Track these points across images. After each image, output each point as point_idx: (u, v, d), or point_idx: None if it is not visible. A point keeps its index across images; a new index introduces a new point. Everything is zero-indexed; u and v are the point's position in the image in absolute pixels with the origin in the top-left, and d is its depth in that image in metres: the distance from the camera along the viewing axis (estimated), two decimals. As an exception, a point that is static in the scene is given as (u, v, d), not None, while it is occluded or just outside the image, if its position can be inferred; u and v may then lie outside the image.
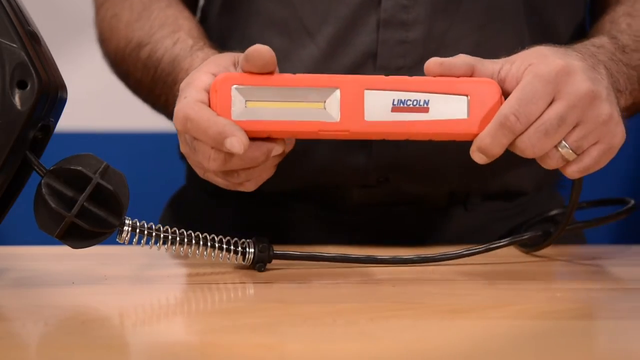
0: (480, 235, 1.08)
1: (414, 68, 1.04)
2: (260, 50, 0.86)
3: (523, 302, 0.82)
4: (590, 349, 0.68)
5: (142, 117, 1.13)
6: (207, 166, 0.87)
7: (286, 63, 1.06)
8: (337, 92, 0.86)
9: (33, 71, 0.80)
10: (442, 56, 1.04)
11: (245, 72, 0.87)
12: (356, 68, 1.05)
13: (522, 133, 0.85)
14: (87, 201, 0.82)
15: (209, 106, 0.86)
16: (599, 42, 0.97)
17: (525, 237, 0.97)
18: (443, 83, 0.87)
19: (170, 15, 1.08)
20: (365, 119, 0.86)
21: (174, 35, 1.05)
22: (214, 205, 1.13)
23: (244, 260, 0.89)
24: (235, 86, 0.86)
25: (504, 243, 0.96)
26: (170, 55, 1.03)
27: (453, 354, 0.67)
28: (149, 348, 0.68)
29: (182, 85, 0.89)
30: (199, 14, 1.18)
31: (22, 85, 0.81)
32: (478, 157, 0.87)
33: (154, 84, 1.06)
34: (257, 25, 1.08)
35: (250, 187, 0.91)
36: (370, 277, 0.90)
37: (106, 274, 0.90)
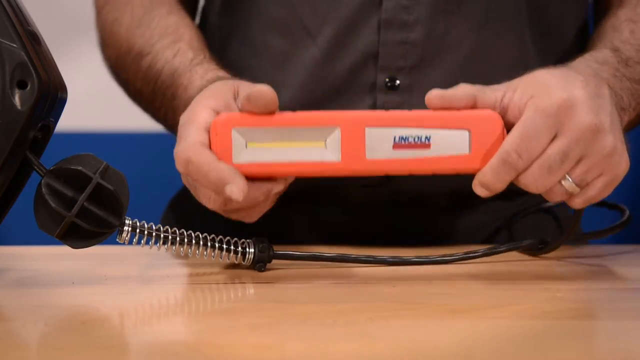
0: (481, 234, 1.08)
1: (415, 69, 1.04)
2: (263, 91, 0.85)
3: (523, 302, 0.82)
4: (590, 349, 0.68)
5: (142, 117, 1.13)
6: (208, 206, 0.88)
7: (287, 65, 1.06)
8: (338, 132, 0.86)
9: (33, 71, 0.80)
10: (443, 57, 1.04)
11: (245, 111, 0.86)
12: (357, 69, 1.04)
13: (525, 169, 0.85)
14: (87, 201, 0.82)
15: (210, 147, 0.86)
16: (601, 58, 0.96)
17: (524, 244, 0.98)
18: (444, 118, 0.86)
19: (171, 23, 1.07)
20: (367, 157, 0.86)
21: (174, 45, 1.05)
22: None
23: (244, 260, 0.89)
24: (235, 128, 0.85)
25: (503, 249, 0.96)
26: (170, 68, 1.03)
27: (453, 354, 0.67)
28: (149, 348, 0.68)
29: (182, 120, 0.89)
30: (199, 15, 1.18)
31: (22, 85, 0.81)
32: (480, 191, 0.87)
33: (153, 96, 1.06)
34: (258, 26, 1.08)
35: (251, 220, 0.91)
36: (370, 277, 0.90)
37: (106, 274, 0.90)
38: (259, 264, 0.90)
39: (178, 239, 0.87)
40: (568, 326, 0.74)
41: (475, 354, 0.67)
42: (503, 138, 0.86)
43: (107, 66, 1.14)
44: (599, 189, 0.87)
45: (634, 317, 0.78)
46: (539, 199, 1.14)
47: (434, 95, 0.88)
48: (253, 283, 0.86)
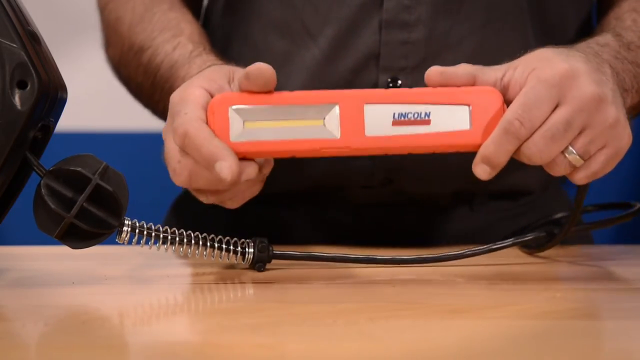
0: (485, 235, 1.08)
1: (417, 69, 1.04)
2: (262, 69, 0.85)
3: (523, 302, 0.82)
4: (590, 349, 0.68)
5: (142, 117, 1.13)
6: (193, 184, 0.87)
7: (288, 65, 1.06)
8: (337, 108, 0.85)
9: (33, 71, 0.80)
10: (445, 56, 1.04)
11: (244, 90, 0.86)
12: (359, 70, 1.04)
13: (527, 139, 0.85)
14: (87, 202, 0.82)
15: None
16: (603, 41, 0.96)
17: (529, 237, 0.97)
18: (444, 94, 0.86)
19: (172, 18, 1.07)
20: (366, 134, 0.85)
21: (174, 39, 1.05)
22: (217, 207, 1.13)
23: (243, 260, 0.89)
24: (232, 107, 0.85)
25: (507, 244, 0.95)
26: (169, 62, 1.03)
27: (453, 354, 0.67)
28: (149, 348, 0.68)
29: (175, 99, 0.88)
30: (202, 15, 1.18)
31: (22, 85, 0.81)
32: (481, 170, 0.86)
33: (153, 90, 1.06)
34: (259, 26, 1.08)
35: (232, 205, 0.91)
36: (370, 277, 0.90)
37: (106, 274, 0.90)
38: (259, 264, 0.90)
39: (177, 239, 0.87)
40: (568, 326, 0.74)
41: (475, 354, 0.67)
42: (503, 112, 0.85)
43: (111, 65, 1.13)
44: (602, 162, 0.86)
45: (634, 317, 0.78)
46: (545, 200, 1.15)
47: (433, 71, 0.87)
48: (253, 283, 0.86)
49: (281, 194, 1.09)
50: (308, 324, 0.75)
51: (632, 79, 0.95)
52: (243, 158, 0.85)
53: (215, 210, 1.01)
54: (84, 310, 0.79)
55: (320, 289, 0.85)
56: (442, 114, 0.86)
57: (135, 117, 1.17)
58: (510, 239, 0.96)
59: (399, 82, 1.04)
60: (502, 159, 0.85)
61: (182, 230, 0.88)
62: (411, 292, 0.84)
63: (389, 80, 1.04)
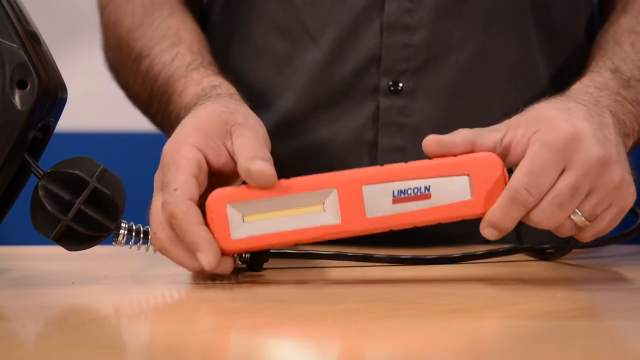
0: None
1: (418, 72, 1.04)
2: (264, 172, 0.83)
3: (523, 302, 0.82)
4: (590, 349, 0.68)
5: (142, 117, 1.13)
6: (168, 253, 0.85)
7: (289, 68, 1.06)
8: (335, 193, 0.84)
9: (33, 71, 0.80)
10: (446, 59, 1.04)
11: (243, 184, 0.85)
12: (360, 73, 1.04)
13: (535, 206, 0.83)
14: (84, 205, 0.82)
15: (197, 204, 0.84)
16: (601, 82, 0.95)
17: (526, 247, 0.97)
18: (441, 166, 0.85)
19: (172, 25, 1.06)
20: (367, 215, 0.84)
21: (173, 49, 1.04)
22: None
23: (240, 259, 0.89)
24: (230, 204, 0.84)
25: (504, 250, 0.95)
26: (167, 73, 1.02)
27: (453, 354, 0.67)
28: (149, 348, 0.68)
29: (167, 153, 0.86)
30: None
31: (22, 85, 0.81)
32: (489, 233, 0.85)
33: (150, 101, 1.05)
34: (260, 28, 1.08)
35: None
36: (370, 277, 0.90)
37: (106, 274, 0.90)
38: (256, 264, 0.89)
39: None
40: (568, 326, 0.74)
41: (475, 354, 0.67)
42: (504, 179, 0.85)
43: (109, 68, 1.13)
44: (608, 221, 0.86)
45: (634, 317, 0.78)
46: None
47: (430, 141, 0.86)
48: (252, 283, 0.86)
49: None
50: (308, 324, 0.75)
51: (632, 121, 0.94)
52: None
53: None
54: (84, 310, 0.79)
55: (320, 289, 0.85)
56: (442, 187, 0.85)
57: (135, 117, 1.17)
58: (509, 245, 0.96)
59: (400, 85, 1.04)
60: (510, 225, 0.84)
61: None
62: (411, 292, 0.84)
63: (391, 83, 1.04)
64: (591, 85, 0.94)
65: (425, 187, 0.84)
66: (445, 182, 0.85)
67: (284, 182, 0.84)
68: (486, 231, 0.85)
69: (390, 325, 0.74)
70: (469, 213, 0.85)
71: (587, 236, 0.86)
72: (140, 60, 1.06)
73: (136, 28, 1.08)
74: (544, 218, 0.83)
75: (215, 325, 0.75)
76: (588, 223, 0.85)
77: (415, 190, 0.84)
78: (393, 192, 0.84)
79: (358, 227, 0.84)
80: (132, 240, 0.85)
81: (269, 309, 0.79)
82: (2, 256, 1.00)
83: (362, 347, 0.68)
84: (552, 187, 0.83)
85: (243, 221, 0.84)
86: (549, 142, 0.84)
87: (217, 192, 0.84)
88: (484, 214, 0.85)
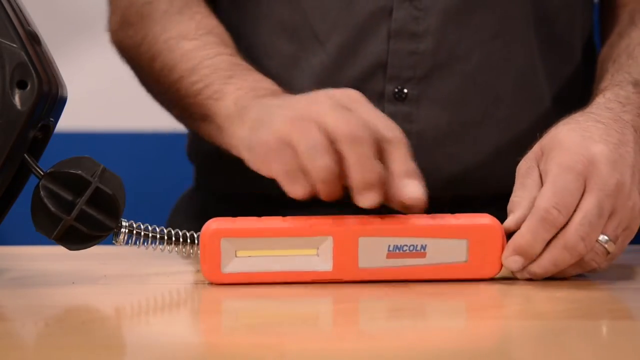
0: None
1: (424, 80, 1.04)
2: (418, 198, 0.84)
3: (523, 302, 0.82)
4: (590, 349, 0.68)
5: (142, 117, 1.13)
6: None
7: (295, 69, 1.06)
8: (330, 241, 0.84)
9: (33, 71, 0.80)
10: (452, 68, 1.03)
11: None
12: (366, 78, 1.04)
13: (565, 228, 0.83)
14: (85, 204, 0.82)
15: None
16: (624, 96, 0.94)
17: None
18: (442, 227, 0.85)
19: (215, 25, 1.04)
20: (359, 266, 0.84)
21: (226, 48, 1.02)
22: (223, 208, 1.12)
23: None
24: (224, 238, 0.84)
25: None
26: (229, 59, 0.99)
27: (453, 354, 0.67)
28: (148, 348, 0.68)
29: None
30: None
31: (22, 85, 0.81)
32: (513, 262, 0.85)
33: (191, 73, 1.01)
34: (267, 28, 1.07)
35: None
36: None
37: (106, 274, 0.90)
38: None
39: (174, 239, 0.87)
40: (568, 326, 0.74)
41: (476, 354, 0.67)
42: (503, 246, 0.85)
43: (122, 46, 1.09)
44: (621, 244, 0.86)
45: (634, 317, 0.78)
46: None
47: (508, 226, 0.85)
48: (252, 283, 0.86)
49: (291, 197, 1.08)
50: (308, 324, 0.75)
51: None
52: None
53: (220, 211, 1.01)
54: (84, 310, 0.79)
55: (320, 289, 0.85)
56: (438, 247, 0.84)
57: (135, 117, 1.17)
58: None
59: (405, 90, 1.04)
60: (538, 249, 0.84)
61: (177, 230, 0.87)
62: (411, 292, 0.84)
63: (396, 90, 1.04)
64: (614, 99, 0.93)
65: (422, 246, 0.84)
66: (442, 242, 0.85)
67: (280, 223, 0.85)
68: (510, 260, 0.85)
69: (390, 325, 0.74)
70: (462, 275, 0.85)
71: (607, 265, 0.86)
72: (183, 40, 1.02)
73: (176, 13, 1.05)
74: (579, 239, 0.83)
75: (215, 325, 0.75)
76: (614, 246, 0.85)
77: (411, 248, 0.84)
78: (388, 246, 0.84)
79: (348, 277, 0.84)
80: (133, 239, 0.85)
81: (269, 308, 0.79)
82: (2, 256, 1.00)
83: (362, 347, 0.68)
84: (577, 208, 0.83)
85: (235, 256, 0.84)
86: (568, 165, 0.84)
87: (212, 225, 0.84)
88: (477, 277, 0.85)
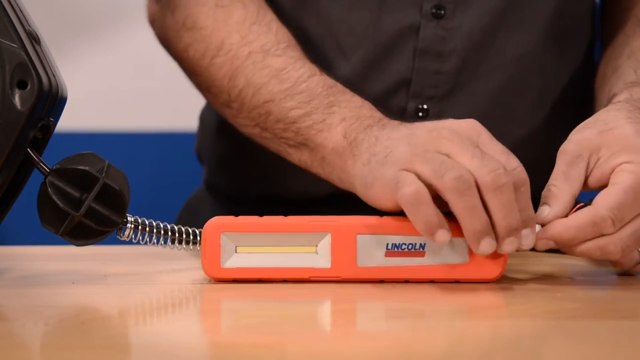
0: None
1: (444, 99, 1.04)
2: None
3: (523, 302, 0.82)
4: (590, 349, 0.68)
5: (142, 117, 1.13)
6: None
7: None
8: (329, 237, 0.84)
9: (33, 71, 0.80)
10: (473, 87, 1.04)
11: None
12: (389, 94, 1.04)
13: (611, 235, 0.83)
14: (93, 200, 0.82)
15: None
16: None
17: None
18: None
19: (292, 37, 1.01)
20: (358, 264, 0.84)
21: (310, 65, 0.98)
22: (232, 209, 1.12)
23: None
24: (224, 233, 0.84)
25: None
26: (325, 80, 0.96)
27: (453, 354, 0.67)
28: (149, 348, 0.68)
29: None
30: None
31: (22, 85, 0.81)
32: (545, 245, 0.84)
33: (282, 94, 0.97)
34: (294, 37, 1.05)
35: None
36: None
37: (106, 274, 0.90)
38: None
39: (177, 236, 0.87)
40: (568, 326, 0.74)
41: (476, 354, 0.67)
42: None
43: (179, 48, 1.03)
44: None
45: (634, 317, 0.78)
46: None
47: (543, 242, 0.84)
48: (253, 283, 0.86)
49: (302, 199, 1.08)
50: (308, 324, 0.75)
51: None
52: (234, 280, 0.85)
53: (230, 212, 1.01)
54: (84, 310, 0.79)
55: (320, 289, 0.85)
56: (438, 246, 0.84)
57: (135, 117, 1.17)
58: None
59: (427, 107, 1.04)
60: (575, 244, 0.84)
61: (179, 226, 0.88)
62: (411, 292, 0.84)
63: (418, 107, 1.04)
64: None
65: (421, 245, 0.84)
66: None
67: (280, 219, 0.85)
68: (543, 243, 0.84)
69: (390, 325, 0.74)
70: (462, 276, 0.85)
71: (632, 266, 0.87)
72: (266, 56, 0.99)
73: (253, 22, 1.00)
74: (619, 249, 0.83)
75: (216, 325, 0.75)
76: None
77: (410, 247, 0.84)
78: (387, 244, 0.84)
79: (347, 275, 0.84)
80: (139, 234, 0.86)
81: (269, 308, 0.79)
82: (2, 256, 1.00)
83: (362, 347, 0.68)
84: (631, 220, 0.83)
85: (235, 251, 0.84)
86: None
87: (214, 220, 0.85)
88: (477, 278, 0.84)
